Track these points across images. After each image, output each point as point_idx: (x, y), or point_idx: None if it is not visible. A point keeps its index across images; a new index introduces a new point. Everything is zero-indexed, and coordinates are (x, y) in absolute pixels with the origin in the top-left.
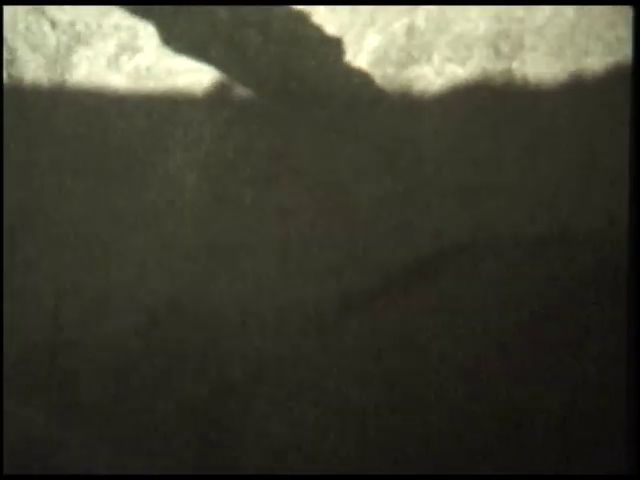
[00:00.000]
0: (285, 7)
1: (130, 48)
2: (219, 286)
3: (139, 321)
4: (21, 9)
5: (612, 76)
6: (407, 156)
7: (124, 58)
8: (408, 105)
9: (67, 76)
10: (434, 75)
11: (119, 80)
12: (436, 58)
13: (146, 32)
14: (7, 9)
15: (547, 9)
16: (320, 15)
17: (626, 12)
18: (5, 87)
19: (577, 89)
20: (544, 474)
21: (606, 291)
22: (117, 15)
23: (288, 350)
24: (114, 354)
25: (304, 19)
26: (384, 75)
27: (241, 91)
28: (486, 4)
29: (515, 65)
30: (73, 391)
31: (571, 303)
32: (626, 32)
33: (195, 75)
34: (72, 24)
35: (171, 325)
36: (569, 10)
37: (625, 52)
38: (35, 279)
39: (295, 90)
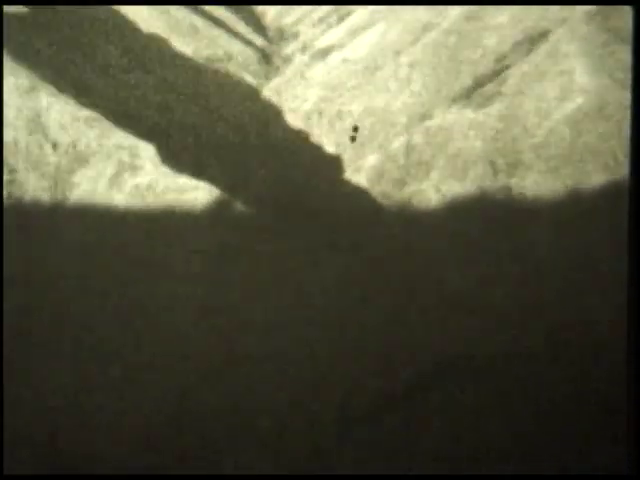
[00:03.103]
0: (283, 125)
1: (131, 167)
2: (213, 396)
3: (137, 435)
4: (22, 130)
5: (610, 194)
6: (405, 271)
7: (125, 177)
8: (407, 221)
9: (68, 195)
10: (433, 192)
11: (120, 198)
12: (434, 175)
13: (146, 151)
14: (7, 130)
15: (544, 127)
16: (319, 134)
17: (622, 131)
18: (6, 206)
19: (575, 206)
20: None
21: (603, 404)
22: (118, 135)
23: (287, 465)
24: (113, 469)
25: (303, 137)
26: (383, 192)
27: (240, 207)
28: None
29: (513, 182)
30: None
31: (567, 416)
32: (622, 151)
33: (195, 192)
34: (73, 145)
35: (168, 437)
36: (565, 129)
37: (622, 170)
38: (32, 389)
39: (294, 206)
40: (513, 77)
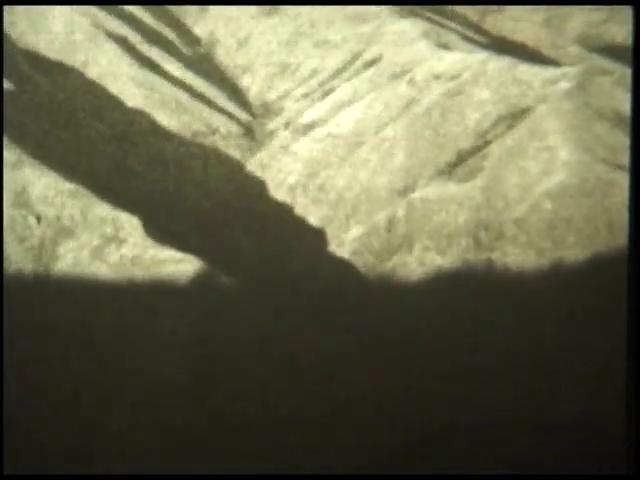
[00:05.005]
0: (268, 198)
1: (115, 239)
2: (197, 467)
3: None
4: (7, 203)
5: (591, 267)
6: (391, 341)
7: (109, 249)
8: (390, 293)
9: (52, 267)
10: (415, 264)
11: (104, 270)
12: (417, 248)
13: (130, 224)
14: None
15: (526, 202)
16: (303, 207)
17: (603, 206)
18: None
19: (557, 279)
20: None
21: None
22: (102, 208)
23: None
24: None
25: (287, 210)
26: (366, 264)
27: (224, 279)
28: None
29: (495, 255)
30: None
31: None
32: (603, 225)
33: (179, 265)
34: (57, 217)
35: None
36: (547, 204)
37: (603, 244)
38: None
39: (279, 277)
40: (495, 152)
